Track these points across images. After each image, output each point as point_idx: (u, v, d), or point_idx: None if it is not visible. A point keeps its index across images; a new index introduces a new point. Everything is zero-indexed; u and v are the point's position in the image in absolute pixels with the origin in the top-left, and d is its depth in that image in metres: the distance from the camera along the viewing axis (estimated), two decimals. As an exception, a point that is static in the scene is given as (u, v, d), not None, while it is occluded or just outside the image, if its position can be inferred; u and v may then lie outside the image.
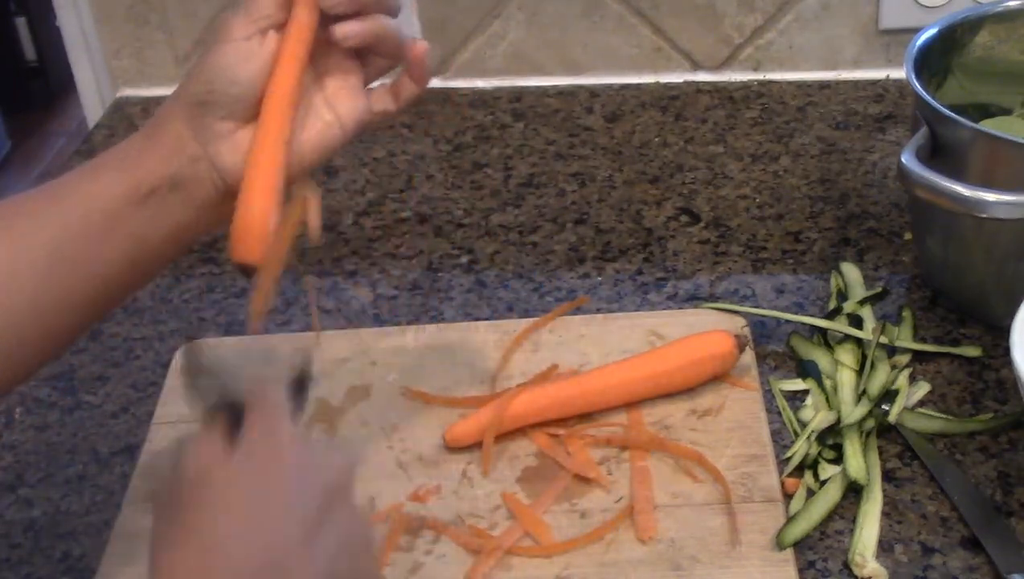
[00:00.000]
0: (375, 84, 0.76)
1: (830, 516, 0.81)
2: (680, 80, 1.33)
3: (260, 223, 0.70)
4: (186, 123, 0.72)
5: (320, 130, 0.73)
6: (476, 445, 0.87)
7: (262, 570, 0.57)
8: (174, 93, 0.73)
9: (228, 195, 0.72)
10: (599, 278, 1.05)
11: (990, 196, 0.84)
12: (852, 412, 0.87)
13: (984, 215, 0.85)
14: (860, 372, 0.91)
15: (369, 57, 0.74)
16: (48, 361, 0.74)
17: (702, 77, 1.33)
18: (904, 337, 0.94)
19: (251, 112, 0.72)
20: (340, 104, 0.74)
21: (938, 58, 0.98)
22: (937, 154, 0.90)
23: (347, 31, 0.71)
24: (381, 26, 0.72)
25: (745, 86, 1.31)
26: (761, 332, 0.97)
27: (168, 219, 0.72)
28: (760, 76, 1.32)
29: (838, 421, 0.86)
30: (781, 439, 0.88)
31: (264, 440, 0.61)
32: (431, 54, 0.75)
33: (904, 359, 0.93)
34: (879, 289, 0.98)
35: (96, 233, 0.71)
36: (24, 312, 0.70)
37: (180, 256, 0.78)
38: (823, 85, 1.30)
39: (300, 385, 0.68)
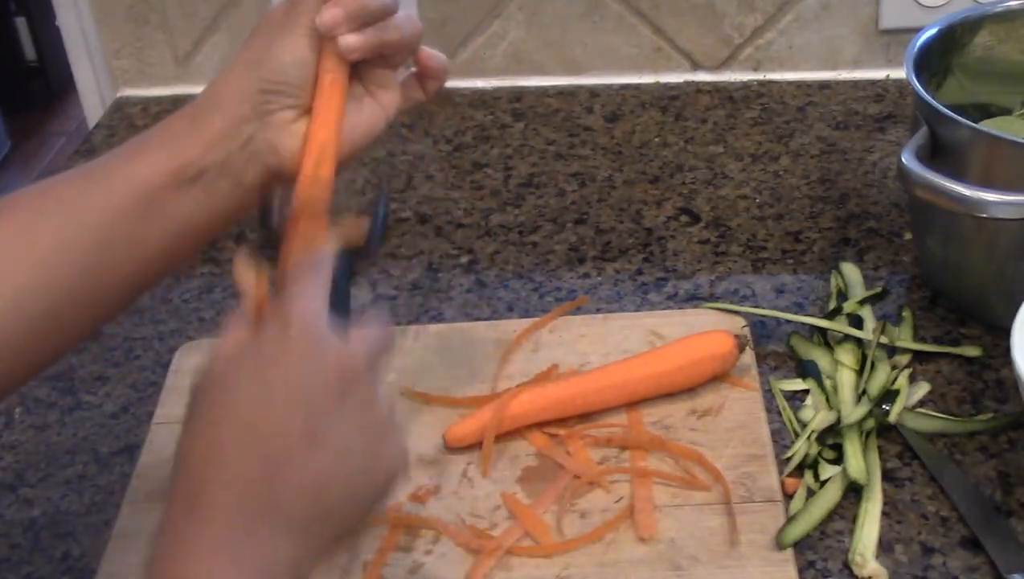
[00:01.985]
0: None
1: (830, 516, 0.81)
2: (680, 80, 1.33)
3: (323, 187, 0.71)
4: (250, 107, 0.72)
5: (368, 117, 0.75)
6: (476, 445, 0.87)
7: (259, 479, 0.56)
8: (229, 75, 0.73)
9: (276, 176, 0.73)
10: (599, 278, 1.05)
11: (990, 196, 0.84)
12: (852, 412, 0.87)
13: (984, 215, 0.85)
14: (860, 372, 0.91)
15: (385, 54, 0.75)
16: (86, 339, 0.75)
17: (702, 77, 1.33)
18: (904, 337, 0.94)
19: (308, 101, 0.73)
20: (379, 93, 0.75)
21: (938, 58, 0.98)
22: (937, 154, 0.90)
23: (347, 45, 0.71)
24: (379, 39, 0.72)
25: (745, 86, 1.31)
26: (761, 332, 0.97)
27: (214, 202, 0.72)
28: (760, 76, 1.32)
29: (838, 421, 0.86)
30: (781, 439, 0.88)
31: (276, 333, 0.60)
32: (440, 59, 0.76)
33: (904, 359, 0.93)
34: (879, 289, 0.98)
35: (140, 215, 0.71)
36: (68, 293, 0.70)
37: (222, 234, 0.78)
38: (823, 85, 1.30)
39: (364, 251, 0.71)
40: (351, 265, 0.69)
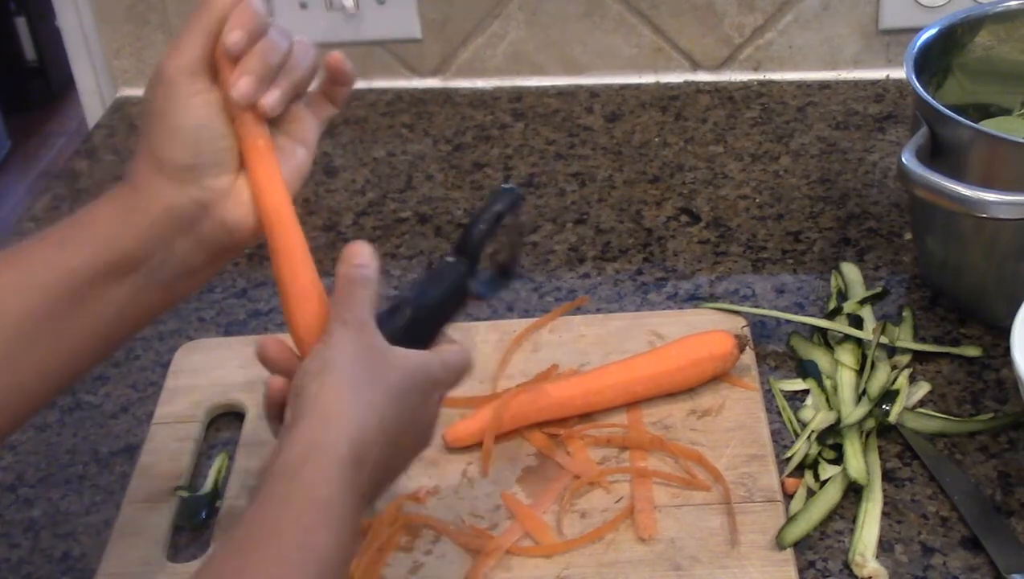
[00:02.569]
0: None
1: (830, 516, 0.81)
2: (680, 80, 1.33)
3: (313, 292, 0.71)
4: (179, 190, 0.68)
5: (298, 160, 0.72)
6: (476, 445, 0.87)
7: (375, 430, 0.65)
8: (141, 158, 0.69)
9: (231, 252, 0.71)
10: (599, 278, 1.05)
11: (990, 196, 0.84)
12: (852, 412, 0.87)
13: (984, 215, 0.85)
14: (860, 372, 0.91)
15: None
16: (9, 434, 0.70)
17: (702, 77, 1.33)
18: (904, 337, 0.94)
19: (238, 158, 0.70)
20: (298, 132, 0.72)
21: (938, 58, 0.98)
22: (937, 154, 0.90)
23: (271, 105, 0.69)
24: (292, 83, 0.70)
25: (745, 86, 1.31)
26: (761, 332, 0.97)
27: (153, 288, 0.70)
28: (760, 76, 1.32)
29: (838, 421, 0.86)
30: (781, 439, 0.88)
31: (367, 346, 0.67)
32: (343, 58, 0.74)
33: (904, 359, 0.93)
34: (879, 289, 0.98)
35: (67, 309, 0.67)
36: None
37: (158, 318, 0.75)
38: (823, 85, 1.30)
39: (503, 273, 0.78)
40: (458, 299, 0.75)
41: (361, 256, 0.71)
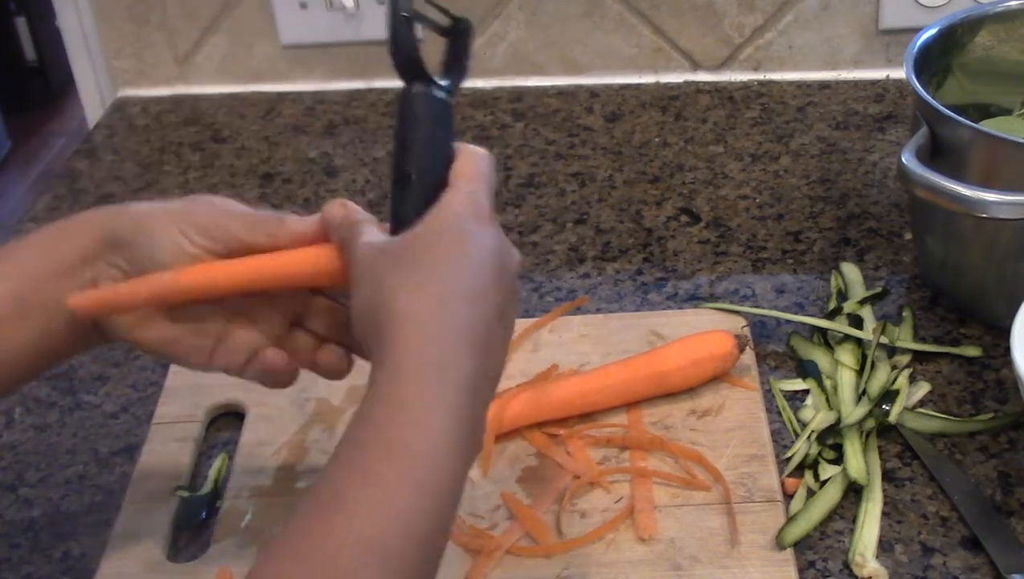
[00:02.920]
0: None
1: (830, 516, 0.81)
2: (680, 80, 1.33)
3: None
4: (99, 246, 0.69)
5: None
6: (476, 445, 0.87)
7: (474, 313, 0.62)
8: (106, 216, 0.70)
9: (97, 330, 0.71)
10: (599, 278, 1.05)
11: (990, 196, 0.84)
12: (852, 412, 0.87)
13: (984, 215, 0.85)
14: (860, 372, 0.91)
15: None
16: None
17: (702, 77, 1.33)
18: (904, 337, 0.94)
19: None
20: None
21: (938, 58, 0.98)
22: (937, 154, 0.90)
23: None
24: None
25: (745, 86, 1.31)
26: (761, 332, 0.97)
27: (56, 331, 0.70)
28: (760, 76, 1.32)
29: (838, 421, 0.86)
30: (781, 439, 0.88)
31: (476, 215, 0.64)
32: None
33: (904, 359, 0.93)
34: (879, 289, 0.98)
35: None
36: None
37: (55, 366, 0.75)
38: (823, 85, 1.30)
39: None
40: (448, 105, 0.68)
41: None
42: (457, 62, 0.70)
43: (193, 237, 0.69)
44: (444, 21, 0.69)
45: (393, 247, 0.64)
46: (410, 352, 0.60)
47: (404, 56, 0.67)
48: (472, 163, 0.67)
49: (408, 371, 0.60)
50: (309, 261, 0.69)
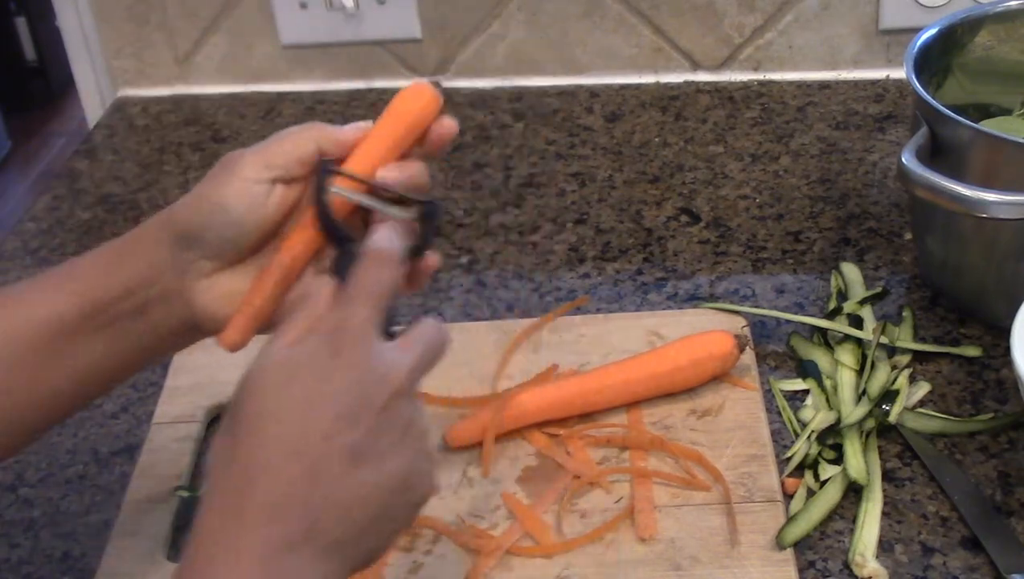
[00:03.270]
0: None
1: (830, 516, 0.81)
2: (680, 80, 1.33)
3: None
4: (168, 251, 0.68)
5: None
6: (476, 445, 0.87)
7: (302, 492, 0.55)
8: (159, 215, 0.70)
9: (192, 330, 0.70)
10: (599, 278, 1.05)
11: (990, 196, 0.84)
12: (852, 412, 0.87)
13: (984, 215, 0.85)
14: (860, 372, 0.91)
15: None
16: None
17: (702, 77, 1.33)
18: (904, 337, 0.94)
19: (236, 257, 0.69)
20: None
21: (938, 58, 0.98)
22: (937, 154, 0.90)
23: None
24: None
25: (745, 86, 1.31)
26: (761, 332, 0.97)
27: (127, 344, 0.69)
28: (760, 76, 1.32)
29: (838, 421, 0.86)
30: (781, 439, 0.88)
31: (330, 336, 0.59)
32: (437, 267, 0.72)
33: (904, 359, 0.93)
34: (879, 289, 0.98)
35: (45, 353, 0.67)
36: None
37: (131, 378, 0.74)
38: (823, 85, 1.30)
39: (417, 250, 0.69)
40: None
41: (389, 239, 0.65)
42: (422, 239, 0.70)
43: (261, 174, 0.68)
44: (407, 212, 0.70)
45: (246, 373, 0.59)
46: (205, 520, 0.56)
47: (329, 225, 0.68)
48: (364, 275, 0.62)
49: (197, 543, 0.56)
50: None
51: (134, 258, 0.69)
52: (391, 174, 0.69)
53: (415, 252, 0.69)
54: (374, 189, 0.70)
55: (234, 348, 0.69)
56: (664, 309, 1.01)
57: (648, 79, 1.33)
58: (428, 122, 0.71)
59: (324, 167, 0.69)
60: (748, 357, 0.92)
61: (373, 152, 0.70)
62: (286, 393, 0.57)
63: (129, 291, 0.68)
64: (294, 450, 0.56)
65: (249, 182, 0.68)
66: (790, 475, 0.84)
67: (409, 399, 0.60)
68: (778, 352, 0.96)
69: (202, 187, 0.69)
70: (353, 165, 0.70)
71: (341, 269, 0.64)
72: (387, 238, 0.64)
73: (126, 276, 0.68)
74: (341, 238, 0.67)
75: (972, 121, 0.90)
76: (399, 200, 0.70)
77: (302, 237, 0.69)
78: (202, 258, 0.68)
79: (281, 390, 0.57)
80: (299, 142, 0.69)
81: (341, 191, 0.69)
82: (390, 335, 0.62)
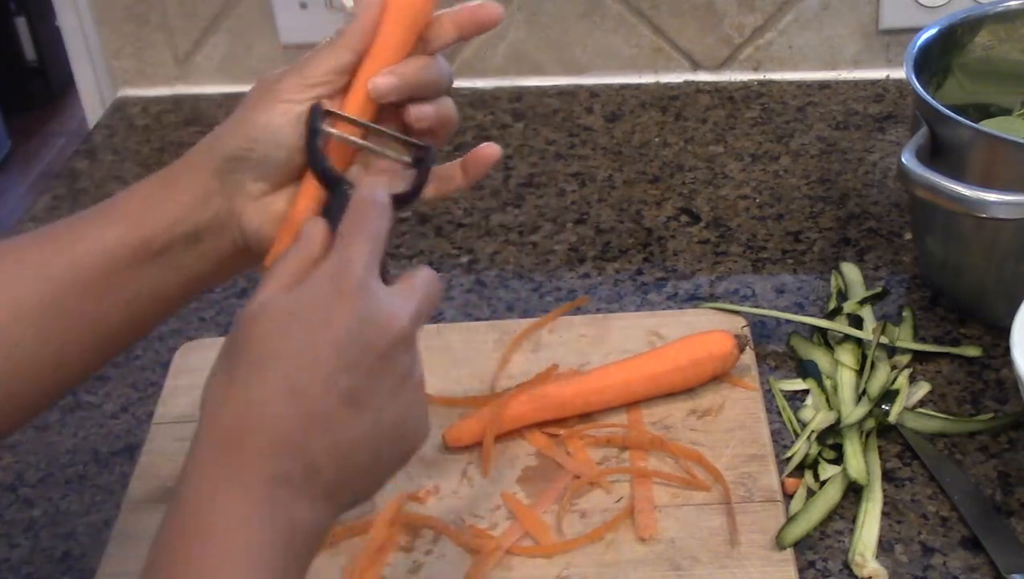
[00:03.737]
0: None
1: (830, 516, 0.81)
2: (680, 80, 1.33)
3: None
4: (216, 177, 0.69)
5: None
6: (476, 445, 0.87)
7: (297, 434, 0.56)
8: (200, 145, 0.71)
9: (245, 253, 0.71)
10: (599, 278, 1.05)
11: (990, 196, 0.84)
12: (852, 412, 0.87)
13: (984, 215, 0.85)
14: (860, 372, 0.91)
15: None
16: (41, 411, 0.72)
17: (702, 77, 1.33)
18: (904, 337, 0.94)
19: (285, 178, 0.70)
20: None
21: (938, 58, 0.98)
22: (937, 154, 0.90)
23: (421, 113, 0.70)
24: (447, 111, 0.71)
25: (745, 86, 1.31)
26: (761, 332, 0.97)
27: (180, 273, 0.70)
28: (760, 76, 1.32)
29: (838, 421, 0.86)
30: (781, 439, 0.88)
31: (331, 279, 0.59)
32: (493, 154, 0.73)
33: (904, 359, 0.93)
34: (879, 289, 0.98)
35: (99, 288, 0.68)
36: (22, 362, 0.67)
37: (185, 306, 0.75)
38: (823, 85, 1.30)
39: (408, 196, 0.69)
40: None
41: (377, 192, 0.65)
42: (416, 182, 0.70)
43: (303, 93, 0.69)
44: (402, 152, 0.71)
45: (242, 316, 0.59)
46: (203, 453, 0.57)
47: (320, 169, 0.68)
48: (357, 220, 0.62)
49: (198, 475, 0.56)
50: None
51: (182, 187, 0.70)
52: (383, 80, 0.69)
53: (409, 197, 0.69)
54: (369, 130, 0.70)
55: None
56: (664, 309, 1.01)
57: (648, 79, 1.33)
58: (427, 17, 0.71)
59: (316, 109, 0.69)
60: (748, 357, 0.92)
61: (379, 60, 0.70)
62: (287, 336, 0.58)
63: (179, 220, 0.69)
64: (294, 391, 0.56)
65: (292, 103, 0.69)
66: (790, 475, 0.84)
67: (408, 347, 0.60)
68: (778, 352, 0.96)
69: (244, 112, 0.70)
70: (361, 77, 0.70)
71: (333, 213, 0.64)
72: (375, 186, 0.65)
73: (175, 205, 0.69)
74: (333, 181, 0.68)
75: (972, 121, 0.90)
76: (397, 140, 0.70)
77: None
78: (251, 181, 0.69)
79: (282, 332, 0.58)
80: (335, 54, 0.70)
81: (333, 132, 0.69)
82: (385, 281, 0.62)
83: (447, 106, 0.72)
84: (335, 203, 0.66)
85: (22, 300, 0.67)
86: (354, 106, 0.70)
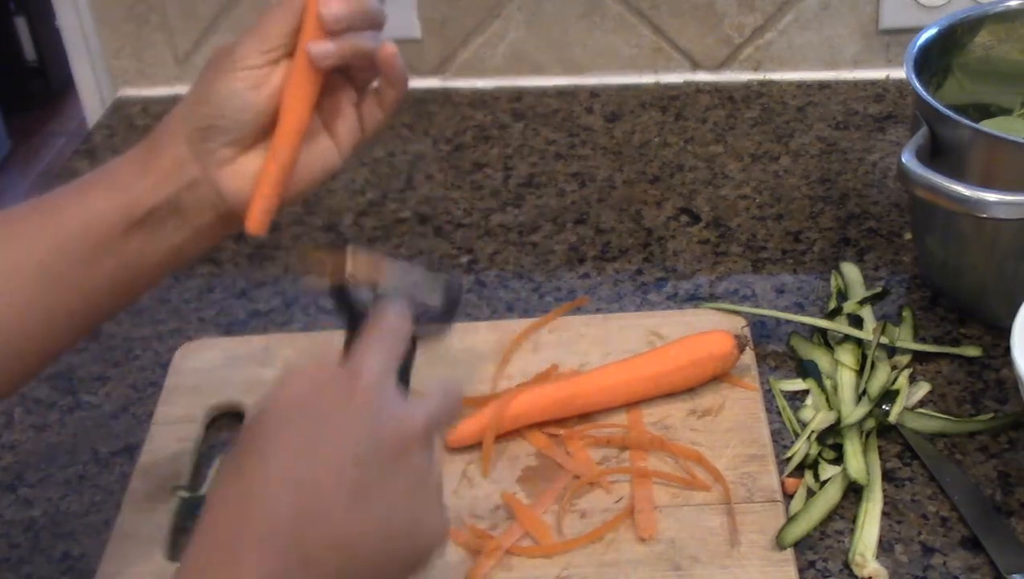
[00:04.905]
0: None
1: (830, 516, 0.81)
2: (680, 80, 1.33)
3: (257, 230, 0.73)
4: (188, 146, 0.71)
5: (319, 156, 0.74)
6: (476, 445, 0.87)
7: (298, 521, 0.55)
8: (173, 113, 0.73)
9: (226, 218, 0.73)
10: (599, 278, 1.05)
11: (990, 196, 0.84)
12: (852, 412, 0.87)
13: (984, 215, 0.85)
14: (860, 372, 0.91)
15: (351, 72, 0.74)
16: (30, 379, 0.74)
17: (702, 77, 1.33)
18: (904, 337, 0.94)
19: (255, 139, 0.72)
20: (337, 129, 0.74)
21: (938, 58, 0.98)
22: (937, 154, 0.90)
23: (321, 51, 0.71)
24: (354, 44, 0.72)
25: (745, 86, 1.31)
26: (761, 332, 0.97)
27: (163, 241, 0.72)
28: (760, 76, 1.32)
29: (838, 421, 0.86)
30: (781, 439, 0.88)
31: (344, 379, 0.59)
32: (399, 54, 0.74)
33: (904, 359, 0.93)
34: (879, 289, 0.98)
35: (87, 255, 0.70)
36: (11, 330, 0.69)
37: (170, 275, 0.77)
38: (823, 85, 1.30)
39: (445, 315, 0.71)
40: (414, 343, 0.68)
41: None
42: (445, 312, 0.73)
43: (261, 58, 0.71)
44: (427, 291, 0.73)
45: (259, 411, 0.59)
46: (201, 544, 0.56)
47: (345, 308, 0.70)
48: (374, 334, 0.63)
49: (196, 566, 0.55)
50: None
51: (159, 156, 0.72)
52: (337, 5, 0.70)
53: (435, 327, 0.72)
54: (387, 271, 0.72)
55: (260, 232, 0.72)
56: (664, 309, 1.01)
57: (648, 79, 1.33)
58: None
59: (340, 246, 0.72)
60: (748, 357, 0.92)
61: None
62: (296, 429, 0.57)
63: (158, 186, 0.71)
64: (294, 483, 0.56)
65: (251, 69, 0.71)
66: (790, 475, 0.84)
67: (423, 449, 0.60)
68: (778, 352, 0.96)
69: (206, 81, 0.72)
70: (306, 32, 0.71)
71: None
72: (397, 308, 0.65)
73: (155, 173, 0.71)
74: (356, 318, 0.69)
75: (972, 121, 0.90)
76: (421, 277, 0.73)
77: (292, 111, 0.72)
78: (221, 147, 0.71)
79: (291, 426, 0.57)
80: (285, 16, 0.72)
81: (356, 275, 0.71)
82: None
83: (369, 38, 0.73)
84: (357, 341, 0.65)
85: (10, 267, 0.69)
86: (300, 65, 0.71)
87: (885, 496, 0.83)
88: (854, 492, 0.83)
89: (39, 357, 0.73)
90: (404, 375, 0.65)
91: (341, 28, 0.70)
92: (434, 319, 0.71)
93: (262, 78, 0.71)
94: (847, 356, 0.91)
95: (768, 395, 0.91)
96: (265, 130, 0.72)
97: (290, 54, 0.72)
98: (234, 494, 0.56)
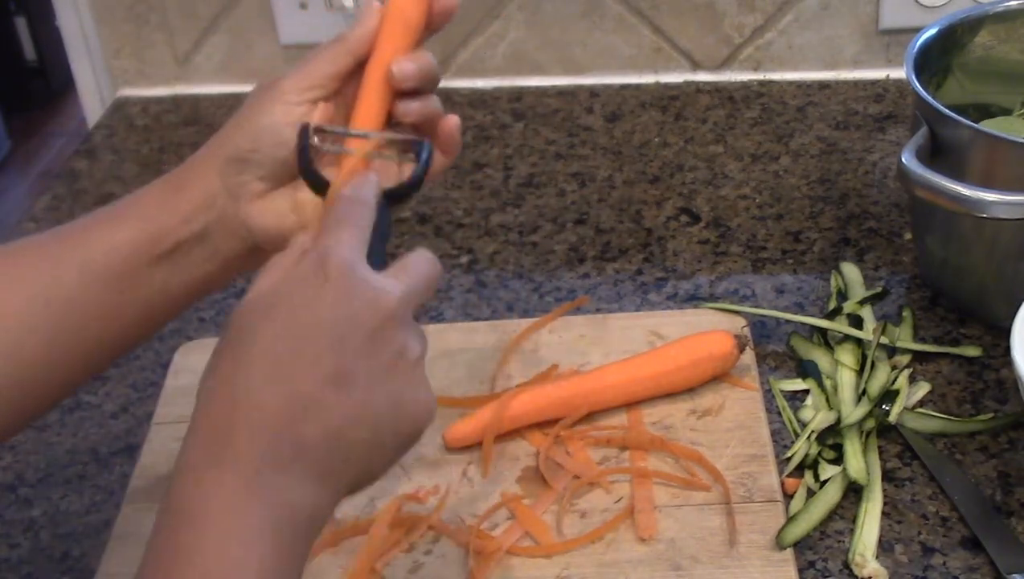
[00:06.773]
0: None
1: (830, 516, 0.81)
2: (680, 80, 1.33)
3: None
4: (219, 179, 0.71)
5: None
6: (476, 445, 0.87)
7: (287, 420, 0.56)
8: (208, 143, 0.73)
9: (253, 251, 0.72)
10: (599, 278, 1.05)
11: (990, 196, 0.84)
12: (852, 412, 0.87)
13: (984, 215, 0.85)
14: (860, 372, 0.91)
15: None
16: (50, 409, 0.74)
17: (702, 77, 1.33)
18: (904, 337, 0.94)
19: (288, 176, 0.72)
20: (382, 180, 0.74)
21: (938, 58, 0.98)
22: (937, 154, 0.90)
23: (408, 108, 0.72)
24: (433, 107, 0.73)
25: (745, 86, 1.31)
26: (761, 332, 0.97)
27: (189, 273, 0.72)
28: (760, 76, 1.32)
29: (838, 421, 0.86)
30: (781, 439, 0.88)
31: (314, 264, 0.59)
32: (460, 127, 0.75)
33: (904, 359, 0.93)
34: (879, 289, 0.98)
35: (113, 285, 0.70)
36: (36, 363, 0.69)
37: (195, 303, 0.76)
38: (823, 85, 1.30)
39: (414, 177, 0.71)
40: (388, 209, 0.68)
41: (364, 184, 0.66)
42: (414, 175, 0.72)
43: (303, 96, 0.71)
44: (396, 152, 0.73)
45: (234, 313, 0.60)
46: (193, 445, 0.57)
47: (308, 173, 0.71)
48: (339, 214, 0.63)
49: (189, 466, 0.57)
50: None
51: (189, 187, 0.72)
52: (408, 65, 0.71)
53: (406, 190, 0.71)
54: (357, 137, 0.72)
55: None
56: (664, 309, 1.01)
57: (648, 79, 1.33)
58: (423, 18, 0.73)
59: (304, 130, 0.71)
60: (748, 357, 0.92)
61: (383, 61, 0.72)
62: (270, 322, 0.58)
63: (187, 220, 0.71)
64: (278, 376, 0.56)
65: (292, 105, 0.71)
66: (790, 475, 0.84)
67: (402, 324, 0.60)
68: (778, 352, 0.96)
69: (246, 114, 0.72)
70: (371, 76, 0.72)
71: None
72: (359, 184, 0.66)
73: (184, 205, 0.71)
74: (325, 191, 0.70)
75: (972, 121, 0.90)
76: (389, 142, 0.72)
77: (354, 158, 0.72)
78: (254, 180, 0.71)
79: (267, 319, 0.58)
80: (334, 58, 0.72)
81: (322, 147, 0.71)
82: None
83: (434, 101, 0.75)
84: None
85: (33, 299, 0.69)
86: (368, 105, 0.72)
87: (885, 496, 0.83)
88: (854, 492, 0.83)
89: (54, 391, 0.72)
90: (379, 246, 0.64)
91: (408, 86, 0.71)
92: (404, 183, 0.71)
93: (303, 116, 0.71)
94: (847, 356, 0.91)
95: (768, 395, 0.91)
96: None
97: (330, 96, 0.72)
98: (219, 396, 0.57)
